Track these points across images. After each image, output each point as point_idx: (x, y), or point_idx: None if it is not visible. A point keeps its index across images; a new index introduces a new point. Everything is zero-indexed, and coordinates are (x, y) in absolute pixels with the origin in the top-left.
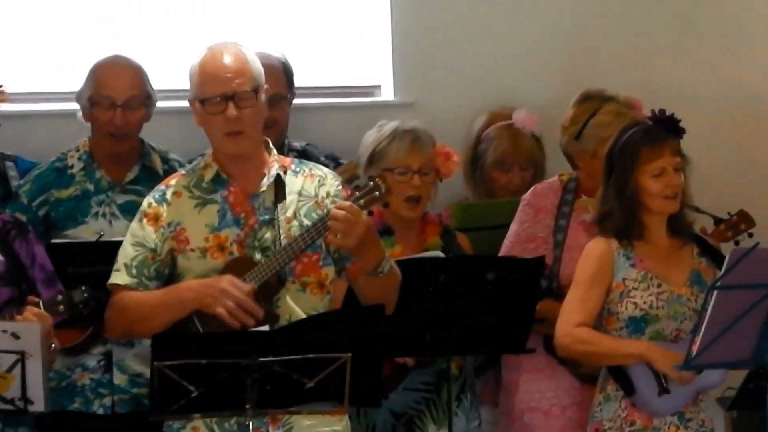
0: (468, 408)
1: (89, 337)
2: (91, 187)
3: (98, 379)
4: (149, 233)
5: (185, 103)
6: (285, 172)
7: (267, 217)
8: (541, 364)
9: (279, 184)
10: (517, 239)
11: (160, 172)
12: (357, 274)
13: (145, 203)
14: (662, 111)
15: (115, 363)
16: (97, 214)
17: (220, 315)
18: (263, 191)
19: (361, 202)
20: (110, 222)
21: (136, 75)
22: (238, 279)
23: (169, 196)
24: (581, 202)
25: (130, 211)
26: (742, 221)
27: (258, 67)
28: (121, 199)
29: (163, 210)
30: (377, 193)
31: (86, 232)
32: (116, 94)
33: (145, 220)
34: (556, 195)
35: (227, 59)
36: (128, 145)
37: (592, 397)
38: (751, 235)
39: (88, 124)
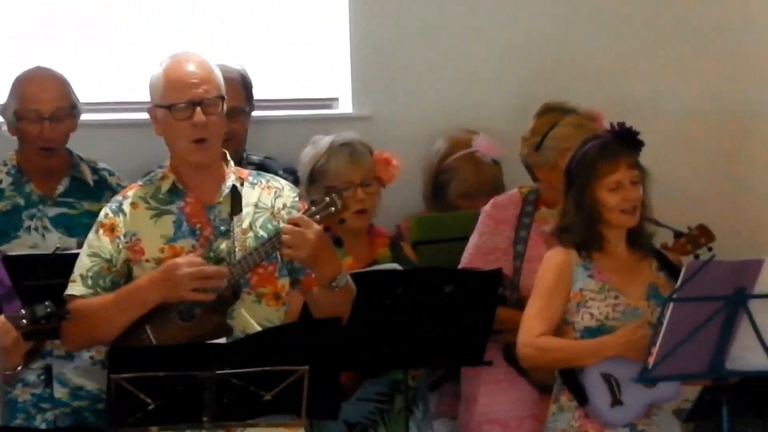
0: (420, 419)
1: (29, 352)
2: (21, 201)
3: (39, 393)
4: (105, 244)
5: (120, 116)
6: (242, 184)
7: (223, 228)
8: (500, 375)
9: (235, 195)
10: (477, 251)
11: (90, 182)
12: (311, 286)
13: (101, 214)
14: (621, 124)
15: (55, 377)
16: (29, 228)
17: (192, 298)
18: (219, 203)
19: (317, 217)
20: (43, 235)
21: (61, 86)
22: (194, 311)
23: (125, 207)
24: (541, 213)
25: (62, 223)
26: (702, 235)
27: (219, 74)
28: (53, 212)
29: (120, 221)
30: (333, 208)
31: (19, 246)
32: (43, 107)
33: (101, 231)
34: (516, 206)
35: (192, 66)
36: (57, 158)
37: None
38: (710, 249)
39: (10, 139)
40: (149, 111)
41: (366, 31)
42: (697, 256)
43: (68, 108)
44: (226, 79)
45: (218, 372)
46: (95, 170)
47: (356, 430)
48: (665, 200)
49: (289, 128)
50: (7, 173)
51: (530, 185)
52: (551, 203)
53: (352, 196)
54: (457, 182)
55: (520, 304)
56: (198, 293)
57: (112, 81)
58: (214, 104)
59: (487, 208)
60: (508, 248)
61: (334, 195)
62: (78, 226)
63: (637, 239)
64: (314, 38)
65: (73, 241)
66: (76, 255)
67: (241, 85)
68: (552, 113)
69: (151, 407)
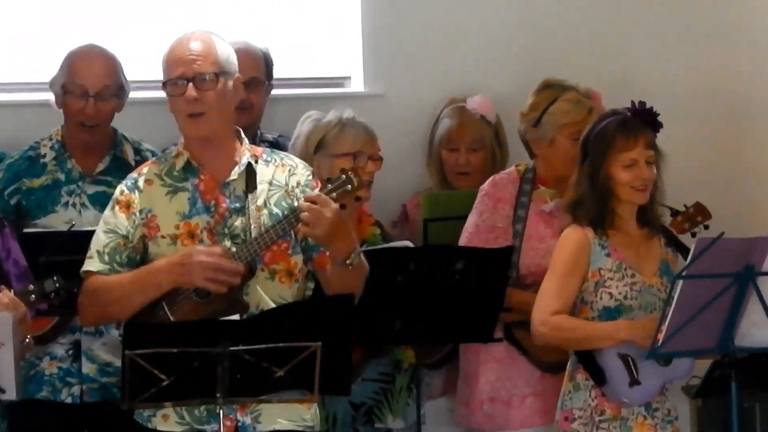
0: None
1: (56, 326)
2: (62, 176)
3: (66, 368)
4: (121, 220)
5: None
6: (256, 161)
7: (237, 205)
8: (501, 353)
9: (250, 173)
10: (476, 230)
11: (132, 162)
12: (323, 263)
13: (117, 191)
14: (642, 103)
15: (84, 352)
16: (67, 203)
17: (204, 287)
18: (234, 179)
19: (333, 194)
20: (80, 212)
21: (110, 65)
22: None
23: (141, 183)
24: (539, 193)
25: (99, 201)
26: (699, 213)
27: (227, 53)
28: (92, 189)
29: (135, 197)
30: (349, 186)
31: (56, 221)
32: (89, 84)
33: (117, 208)
34: (513, 185)
35: (193, 44)
36: (99, 135)
37: (553, 386)
38: (706, 227)
39: (57, 114)
40: (162, 88)
41: (377, 9)
42: (693, 234)
43: (114, 88)
44: (248, 52)
45: (231, 348)
46: (138, 150)
47: (362, 410)
48: (673, 181)
49: (301, 107)
50: (51, 147)
51: (526, 163)
52: (548, 181)
53: (363, 166)
54: (442, 129)
55: (520, 283)
56: (210, 283)
57: (141, 59)
58: (210, 80)
59: (485, 186)
60: (507, 227)
61: (349, 173)
62: None
63: (647, 217)
64: (326, 17)
65: None
66: (91, 232)
67: (262, 59)
68: (551, 89)
69: (164, 383)
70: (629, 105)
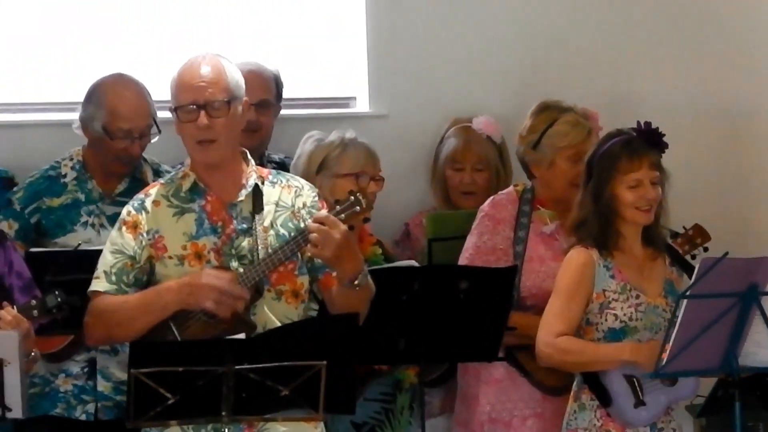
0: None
1: (72, 344)
2: (82, 196)
3: (81, 385)
4: (128, 241)
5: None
6: (263, 183)
7: (244, 226)
8: (501, 374)
9: (257, 194)
10: (477, 251)
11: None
12: (329, 284)
13: (124, 212)
14: (647, 124)
15: (99, 370)
16: (86, 223)
17: (208, 310)
18: (241, 201)
19: (342, 216)
20: (98, 232)
21: (147, 102)
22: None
23: (147, 204)
24: (538, 214)
25: None
26: (698, 235)
27: (236, 78)
28: (111, 210)
29: (142, 218)
30: (357, 207)
31: (74, 240)
32: (134, 126)
33: (124, 228)
34: (513, 205)
35: (204, 69)
36: (133, 165)
37: (554, 407)
38: (706, 249)
39: (62, 134)
40: (170, 110)
41: (383, 31)
42: (693, 257)
43: (152, 123)
44: (260, 74)
45: (237, 367)
46: (157, 172)
47: (363, 429)
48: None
49: (306, 127)
50: (72, 168)
51: (524, 183)
52: (546, 202)
53: (365, 187)
54: (447, 148)
55: (520, 304)
56: (215, 305)
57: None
58: (221, 107)
59: (485, 207)
60: (507, 248)
61: (358, 194)
62: None
63: (652, 237)
64: (332, 38)
65: None
66: (97, 251)
67: (272, 81)
68: (549, 111)
69: (170, 401)
70: (631, 125)
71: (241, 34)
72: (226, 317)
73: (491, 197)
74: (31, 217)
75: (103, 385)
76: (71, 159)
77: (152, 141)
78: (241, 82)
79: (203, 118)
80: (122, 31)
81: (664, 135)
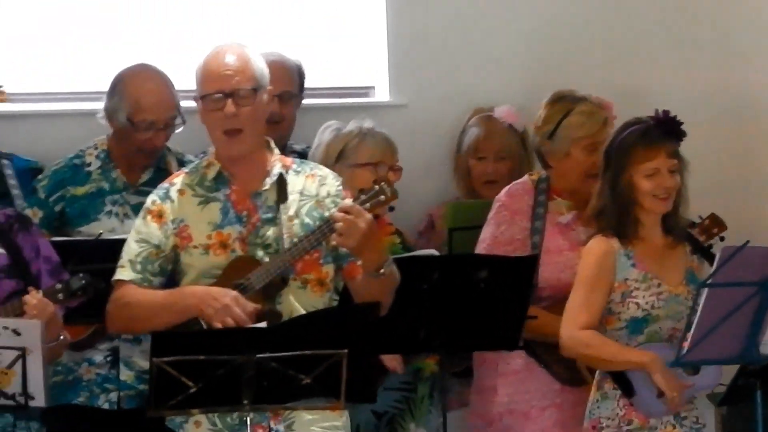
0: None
1: (95, 333)
2: (106, 185)
3: (105, 374)
4: (153, 230)
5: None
6: (287, 172)
7: (269, 215)
8: (519, 366)
9: (281, 183)
10: (494, 242)
11: None
12: (353, 273)
13: (148, 201)
14: (665, 112)
15: (122, 359)
16: (110, 212)
17: (215, 326)
18: (266, 189)
19: (367, 205)
20: (122, 221)
21: (171, 92)
22: (243, 287)
23: (172, 193)
24: (555, 204)
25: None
26: (714, 225)
27: (261, 68)
28: (135, 200)
29: (167, 207)
30: (382, 196)
31: (98, 229)
32: (159, 118)
33: (149, 217)
34: (529, 195)
35: (229, 57)
36: (156, 156)
37: (572, 398)
38: (722, 239)
39: (88, 124)
40: (194, 99)
41: (402, 20)
42: (710, 247)
43: (176, 113)
44: (283, 65)
45: (258, 356)
46: (182, 162)
47: (384, 419)
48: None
49: (326, 116)
50: (97, 156)
51: (539, 171)
52: (562, 192)
53: (384, 176)
54: (469, 138)
55: (537, 296)
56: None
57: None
58: (247, 96)
59: (501, 197)
60: (525, 239)
61: (383, 183)
62: None
63: (672, 226)
64: (351, 27)
65: None
66: (119, 241)
67: (296, 72)
68: (564, 101)
69: (192, 390)
70: (651, 114)
71: (261, 24)
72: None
73: (507, 187)
74: (55, 205)
75: (126, 374)
76: (96, 148)
77: (177, 131)
78: (266, 70)
79: (230, 106)
80: (147, 20)
81: (682, 123)
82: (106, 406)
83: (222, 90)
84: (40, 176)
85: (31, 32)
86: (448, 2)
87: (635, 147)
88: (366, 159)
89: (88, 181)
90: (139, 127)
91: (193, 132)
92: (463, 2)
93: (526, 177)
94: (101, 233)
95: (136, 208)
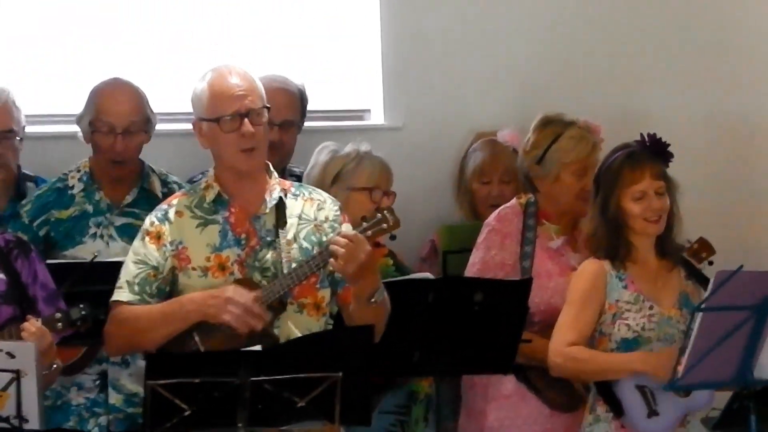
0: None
1: (83, 357)
2: (90, 208)
3: (93, 398)
4: (151, 251)
5: (182, 126)
6: (285, 195)
7: (268, 239)
8: (510, 390)
9: (280, 206)
10: (485, 266)
11: (159, 194)
12: (347, 299)
13: (147, 222)
14: (651, 135)
15: (111, 382)
16: (95, 234)
17: (227, 322)
18: (265, 213)
19: (369, 232)
20: (107, 243)
21: (136, 100)
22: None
23: (171, 215)
24: (544, 229)
25: (127, 233)
26: (703, 249)
27: (262, 87)
28: (119, 221)
29: (166, 229)
30: (385, 225)
31: (83, 252)
32: (116, 121)
33: (147, 239)
34: (519, 219)
35: (236, 78)
36: (128, 169)
37: (562, 423)
38: (711, 263)
39: (84, 146)
40: (194, 124)
41: (397, 43)
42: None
43: (141, 122)
44: (285, 91)
45: (253, 378)
46: (165, 182)
47: None
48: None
49: (321, 139)
50: (80, 179)
51: (528, 195)
52: (551, 215)
53: (378, 201)
54: (474, 162)
55: (528, 321)
56: (234, 321)
57: (165, 92)
58: (260, 114)
59: (491, 221)
60: (515, 263)
61: (385, 211)
62: None
63: (666, 248)
64: (346, 50)
65: None
66: (113, 263)
67: (298, 98)
68: (553, 125)
69: (186, 413)
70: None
71: (257, 46)
72: (244, 333)
73: (496, 210)
74: (39, 229)
75: (114, 398)
76: (78, 171)
77: (146, 143)
78: (263, 89)
79: (248, 125)
80: (145, 42)
81: (668, 145)
82: (96, 430)
83: (238, 110)
84: (23, 201)
85: (48, 54)
86: (442, 26)
87: (621, 170)
88: (362, 183)
89: (72, 204)
90: (99, 131)
91: (180, 155)
92: (458, 27)
93: (514, 200)
94: (95, 256)
95: (121, 230)
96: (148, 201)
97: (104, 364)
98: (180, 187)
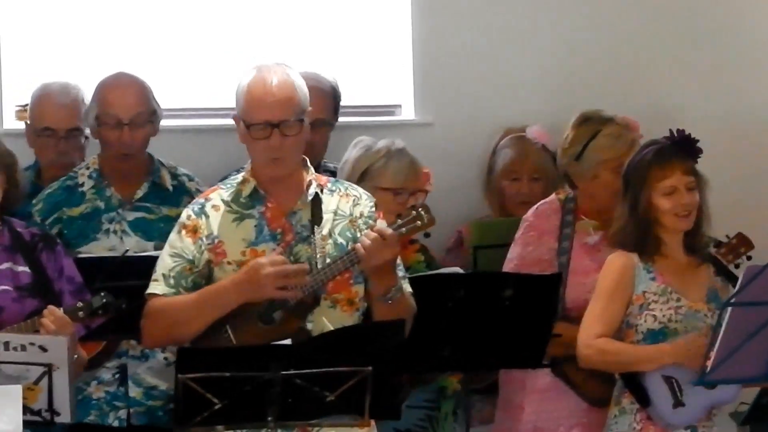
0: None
1: (103, 351)
2: (101, 204)
3: (113, 392)
4: (188, 245)
5: (202, 122)
6: (321, 191)
7: (304, 234)
8: (546, 385)
9: (316, 202)
10: (522, 261)
11: (169, 187)
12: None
13: (184, 215)
14: (680, 131)
15: (130, 376)
16: (108, 231)
17: (278, 297)
18: (301, 209)
19: (403, 230)
20: (121, 239)
21: (141, 92)
22: (274, 314)
23: (207, 209)
24: (582, 225)
25: (139, 228)
26: (742, 244)
27: (304, 91)
28: (131, 216)
29: (202, 223)
30: (419, 222)
31: (97, 248)
32: (122, 113)
33: (183, 232)
34: (556, 215)
35: (276, 85)
36: (137, 162)
37: (599, 419)
38: (749, 258)
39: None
40: (234, 118)
41: (428, 39)
42: (737, 266)
43: (147, 114)
44: (317, 89)
45: (283, 372)
46: (175, 175)
47: None
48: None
49: (352, 134)
50: (89, 176)
51: (567, 191)
52: (589, 212)
53: (403, 202)
54: (502, 159)
55: (566, 316)
56: (283, 291)
57: (193, 87)
58: (293, 126)
59: (529, 216)
60: (552, 260)
61: (420, 209)
62: (155, 231)
63: (694, 244)
64: (377, 46)
65: (150, 245)
66: (145, 258)
67: (331, 97)
68: (591, 123)
69: (217, 407)
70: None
71: (288, 43)
72: (296, 298)
73: (535, 206)
74: (52, 227)
75: (134, 391)
76: (87, 168)
77: (153, 135)
78: (307, 92)
79: (276, 138)
80: (182, 44)
81: (697, 141)
82: (116, 423)
83: (269, 121)
84: (34, 200)
85: (56, 51)
86: (473, 22)
87: (651, 166)
88: (387, 184)
89: (82, 201)
90: (106, 124)
91: (192, 151)
92: (488, 22)
93: (553, 196)
94: (127, 250)
95: (133, 225)
96: (159, 195)
97: (123, 358)
98: (190, 179)
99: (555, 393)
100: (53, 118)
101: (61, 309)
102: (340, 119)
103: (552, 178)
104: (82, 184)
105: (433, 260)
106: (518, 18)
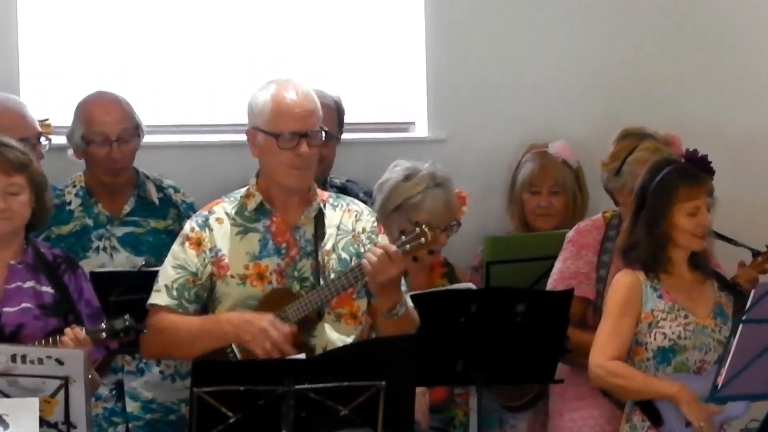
0: None
1: (99, 368)
2: (90, 222)
3: (111, 407)
4: (191, 257)
5: (202, 138)
6: (324, 206)
7: (308, 249)
8: (584, 392)
9: (319, 218)
10: (561, 276)
11: (155, 200)
12: (376, 311)
13: (187, 227)
14: (695, 151)
15: (127, 391)
16: (98, 248)
17: (256, 353)
18: (305, 224)
19: (407, 246)
20: (111, 255)
21: (124, 108)
22: (279, 318)
23: (211, 222)
24: None
25: (129, 243)
26: None
27: (320, 106)
28: (120, 231)
29: (206, 235)
30: (423, 239)
31: (88, 266)
32: (109, 129)
33: (187, 244)
34: (599, 231)
35: (301, 96)
36: (125, 177)
37: None
38: None
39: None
40: (248, 132)
41: (442, 56)
42: None
43: (133, 128)
44: (324, 104)
45: (297, 387)
46: (160, 188)
47: None
48: (734, 221)
49: (365, 151)
50: (76, 195)
51: (614, 209)
52: None
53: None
54: (523, 173)
55: None
56: (262, 352)
57: (198, 104)
58: (317, 136)
59: (571, 233)
60: (590, 272)
61: (424, 227)
62: (144, 245)
63: (698, 261)
64: (391, 63)
65: (139, 260)
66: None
67: (335, 111)
68: (630, 138)
69: (231, 420)
70: (707, 151)
71: (302, 59)
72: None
73: (577, 224)
74: None
75: (132, 406)
76: (74, 186)
77: (137, 150)
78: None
79: (305, 147)
80: (197, 60)
81: (711, 162)
82: None
83: (299, 131)
84: None
85: (77, 63)
86: (486, 39)
87: (677, 187)
88: (421, 217)
89: (71, 219)
90: (94, 142)
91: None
92: (501, 39)
93: (599, 214)
94: (143, 264)
95: (123, 240)
96: (146, 208)
97: (119, 373)
98: (175, 190)
99: (592, 400)
100: None
101: (83, 329)
102: (355, 136)
103: (572, 193)
104: (70, 203)
105: (457, 279)
106: (532, 35)
